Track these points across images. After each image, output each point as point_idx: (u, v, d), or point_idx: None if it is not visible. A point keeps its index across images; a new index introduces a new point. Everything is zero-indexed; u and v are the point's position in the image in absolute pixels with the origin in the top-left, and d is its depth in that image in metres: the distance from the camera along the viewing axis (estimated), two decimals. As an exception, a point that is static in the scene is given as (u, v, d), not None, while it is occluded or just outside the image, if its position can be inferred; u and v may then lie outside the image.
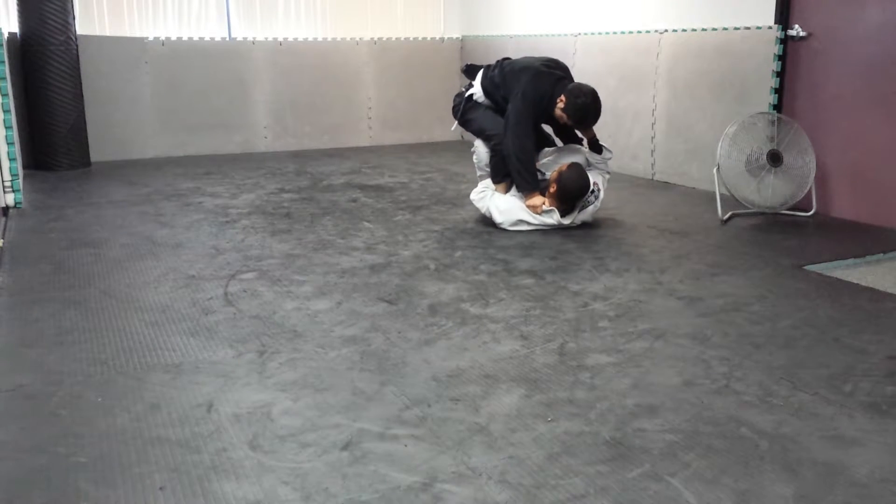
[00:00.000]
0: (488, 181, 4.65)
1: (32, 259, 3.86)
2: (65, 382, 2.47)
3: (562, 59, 4.78)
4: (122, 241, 4.23)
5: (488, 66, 4.71)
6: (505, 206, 4.44)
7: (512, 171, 4.48)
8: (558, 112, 4.41)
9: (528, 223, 4.41)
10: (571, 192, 4.35)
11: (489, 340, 2.82)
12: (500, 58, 4.79)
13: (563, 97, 4.37)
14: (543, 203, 4.40)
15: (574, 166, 4.38)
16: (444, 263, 3.81)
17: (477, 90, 4.67)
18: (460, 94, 4.80)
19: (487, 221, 4.60)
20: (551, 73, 4.47)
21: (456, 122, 4.86)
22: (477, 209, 4.67)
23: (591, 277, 3.58)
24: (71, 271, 3.67)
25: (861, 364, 2.62)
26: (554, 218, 4.39)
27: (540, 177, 4.55)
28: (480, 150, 4.71)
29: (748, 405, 2.32)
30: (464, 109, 4.71)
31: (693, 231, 4.46)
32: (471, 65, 4.88)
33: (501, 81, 4.55)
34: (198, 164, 6.89)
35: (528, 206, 4.41)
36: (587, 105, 4.35)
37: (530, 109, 4.42)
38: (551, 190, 4.38)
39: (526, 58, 4.72)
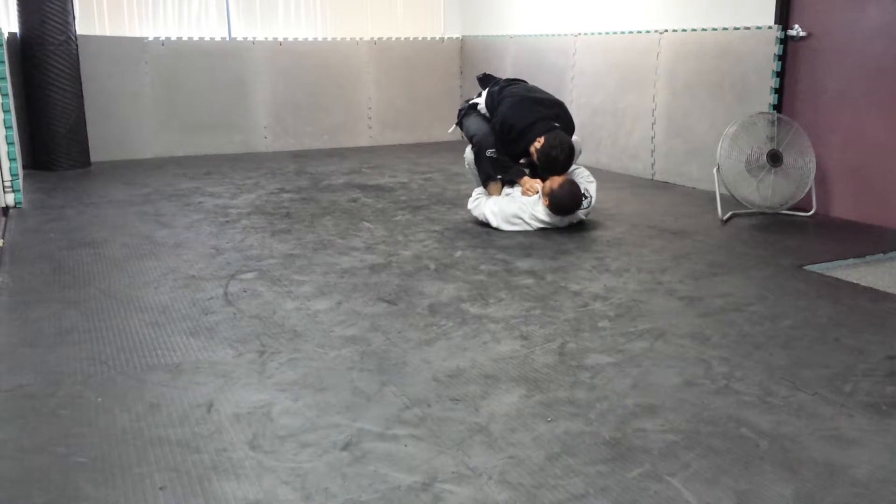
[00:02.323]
0: (481, 188, 4.67)
1: (32, 259, 3.86)
2: (65, 382, 2.47)
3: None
4: (122, 241, 4.23)
5: (497, 81, 4.78)
6: (497, 208, 4.45)
7: (495, 173, 4.56)
8: (532, 151, 4.45)
9: (523, 220, 4.41)
10: (564, 207, 4.38)
11: (489, 340, 2.82)
12: (512, 76, 4.91)
13: (541, 139, 4.39)
14: (538, 181, 4.48)
15: (568, 184, 4.37)
16: (444, 263, 3.81)
17: (481, 101, 4.76)
18: (468, 101, 4.91)
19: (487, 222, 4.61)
20: (532, 110, 4.48)
21: (454, 125, 4.96)
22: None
23: (591, 277, 3.58)
24: (71, 271, 3.68)
25: (861, 364, 2.62)
26: (545, 214, 4.42)
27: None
28: (469, 156, 4.76)
29: (748, 405, 2.32)
30: (464, 114, 4.82)
31: (693, 231, 4.46)
32: (487, 75, 4.96)
33: (497, 102, 4.62)
34: (198, 164, 6.89)
35: (527, 190, 4.44)
36: (557, 159, 4.35)
37: (497, 134, 4.53)
38: (544, 203, 4.39)
39: (525, 86, 4.76)
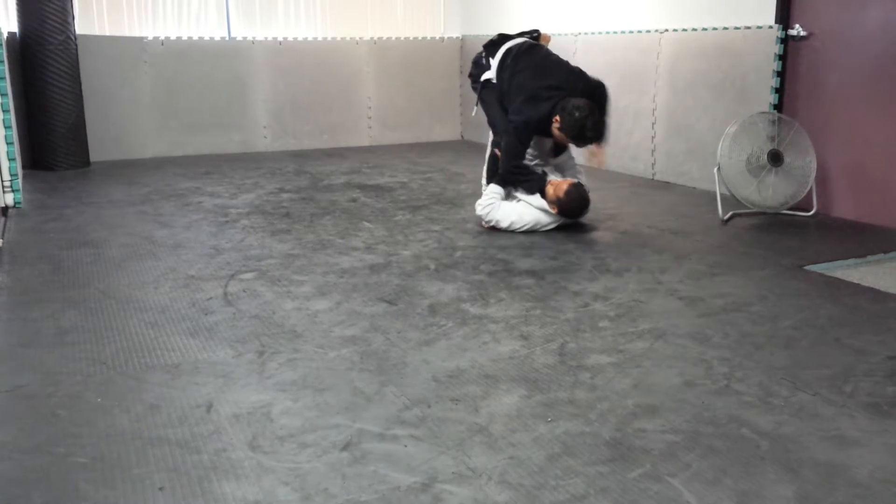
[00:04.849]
0: (494, 190, 4.52)
1: (32, 259, 3.86)
2: (64, 382, 2.46)
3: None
4: (122, 241, 4.23)
5: (507, 53, 4.49)
6: (516, 216, 4.39)
7: (517, 186, 4.47)
8: (556, 132, 4.31)
9: (541, 223, 4.39)
10: (574, 211, 4.39)
11: (489, 340, 2.82)
12: (521, 43, 4.55)
13: (557, 117, 4.24)
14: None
15: (573, 189, 4.33)
16: (444, 263, 3.80)
17: (493, 75, 4.55)
18: (478, 64, 4.65)
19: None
20: (549, 98, 4.29)
21: (476, 106, 4.72)
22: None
23: (591, 277, 3.58)
24: (70, 271, 3.67)
25: (862, 364, 2.62)
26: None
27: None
28: (490, 152, 4.65)
29: (749, 405, 2.31)
30: (482, 90, 4.63)
31: (693, 231, 4.45)
32: (495, 41, 4.62)
33: (506, 87, 4.45)
34: (197, 164, 6.88)
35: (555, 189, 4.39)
36: (584, 119, 4.15)
37: (521, 137, 4.38)
38: (553, 211, 4.38)
39: (534, 70, 4.43)
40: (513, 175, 4.43)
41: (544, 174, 4.48)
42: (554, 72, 4.45)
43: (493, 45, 4.63)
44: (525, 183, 4.44)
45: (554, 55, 4.61)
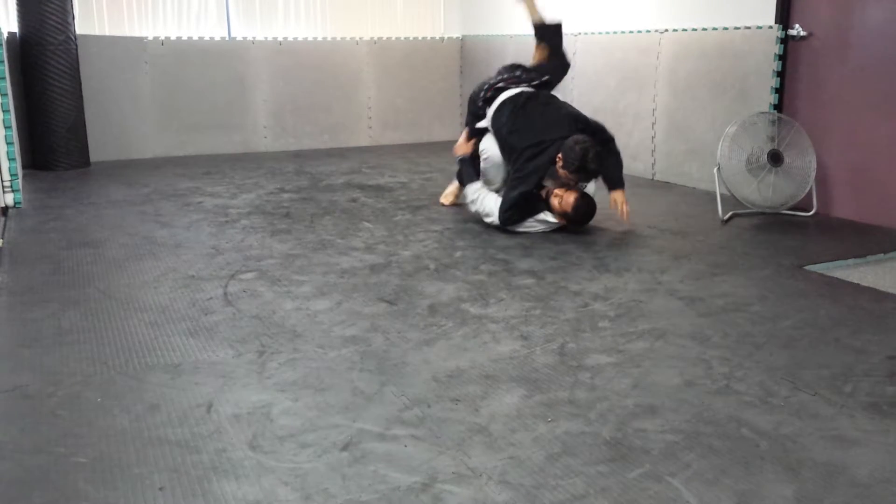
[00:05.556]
0: (477, 185, 4.60)
1: (32, 259, 3.86)
2: (64, 382, 2.46)
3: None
4: (122, 241, 4.23)
5: (502, 107, 4.52)
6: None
7: (519, 223, 4.44)
8: (560, 172, 4.29)
9: (538, 229, 4.39)
10: (580, 221, 4.38)
11: (489, 340, 2.82)
12: (517, 97, 4.55)
13: (560, 155, 4.25)
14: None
15: (581, 203, 4.29)
16: (444, 263, 3.80)
17: (487, 124, 4.65)
18: (476, 104, 4.75)
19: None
20: (551, 144, 4.31)
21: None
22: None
23: (591, 277, 3.58)
24: (70, 271, 3.67)
25: (861, 364, 2.62)
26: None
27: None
28: (492, 152, 4.62)
29: (749, 405, 2.31)
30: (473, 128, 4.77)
31: (693, 231, 4.45)
32: (490, 97, 4.65)
33: (506, 147, 4.48)
34: (198, 164, 6.89)
35: (558, 195, 4.36)
36: (585, 150, 4.16)
37: (530, 184, 4.38)
38: (559, 221, 4.36)
39: (533, 132, 4.42)
40: (510, 221, 4.39)
41: (539, 193, 4.43)
42: (554, 123, 4.44)
43: (488, 101, 4.68)
44: (526, 215, 4.40)
45: (552, 101, 4.62)
